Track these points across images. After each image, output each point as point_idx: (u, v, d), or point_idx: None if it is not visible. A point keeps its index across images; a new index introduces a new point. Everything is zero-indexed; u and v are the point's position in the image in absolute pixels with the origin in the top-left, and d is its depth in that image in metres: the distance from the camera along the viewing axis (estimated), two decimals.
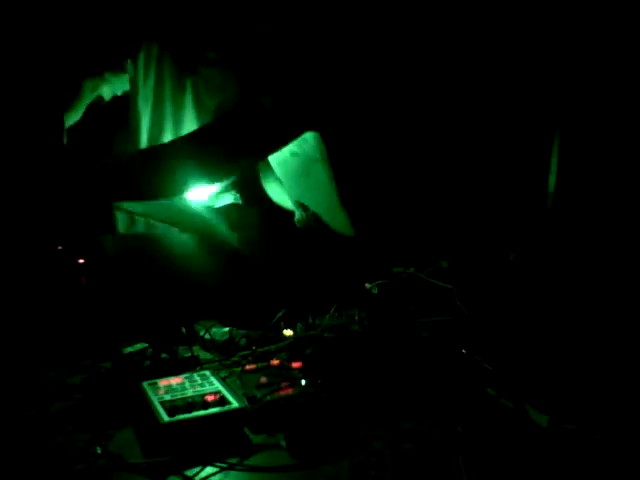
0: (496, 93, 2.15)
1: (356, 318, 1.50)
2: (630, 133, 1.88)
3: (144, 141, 1.78)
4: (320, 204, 1.82)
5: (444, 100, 2.21)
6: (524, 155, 2.12)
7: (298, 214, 1.86)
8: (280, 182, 1.91)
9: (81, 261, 1.66)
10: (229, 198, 1.90)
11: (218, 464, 1.01)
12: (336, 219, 1.82)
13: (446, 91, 2.20)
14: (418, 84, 2.19)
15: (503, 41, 2.08)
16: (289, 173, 1.83)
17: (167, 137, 1.78)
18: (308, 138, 1.73)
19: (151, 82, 1.73)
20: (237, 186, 1.94)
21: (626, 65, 1.86)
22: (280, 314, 1.51)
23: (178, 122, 1.78)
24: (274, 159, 1.81)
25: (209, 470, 0.99)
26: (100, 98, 1.71)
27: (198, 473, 0.98)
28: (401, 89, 2.20)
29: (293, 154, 1.77)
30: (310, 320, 1.51)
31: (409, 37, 2.16)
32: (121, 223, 1.72)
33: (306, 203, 1.85)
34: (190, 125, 1.77)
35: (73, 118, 1.66)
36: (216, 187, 1.88)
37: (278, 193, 1.94)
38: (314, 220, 1.83)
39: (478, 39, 2.12)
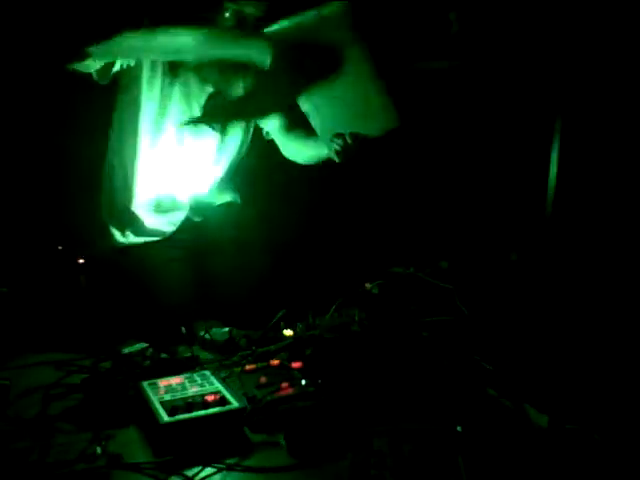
0: (497, 92, 2.15)
1: (356, 318, 1.50)
2: (631, 133, 1.88)
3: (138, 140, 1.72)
4: (356, 106, 1.54)
5: (444, 101, 2.21)
6: (525, 155, 2.12)
7: (337, 146, 1.61)
8: (299, 134, 1.78)
9: (81, 261, 1.66)
10: (228, 196, 1.87)
11: (218, 464, 1.01)
12: (377, 116, 1.54)
13: (447, 92, 2.20)
14: (419, 85, 2.19)
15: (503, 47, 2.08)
16: (314, 91, 1.55)
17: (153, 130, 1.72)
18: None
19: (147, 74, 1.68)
20: (235, 183, 1.89)
21: (626, 64, 1.86)
22: (280, 314, 1.51)
23: (164, 115, 1.72)
24: None
25: (209, 470, 0.99)
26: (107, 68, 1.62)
27: (198, 473, 0.98)
28: (401, 89, 2.20)
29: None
30: (310, 320, 1.51)
31: (407, 33, 2.16)
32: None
33: (339, 121, 1.59)
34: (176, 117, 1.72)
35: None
36: (215, 180, 1.84)
37: (302, 146, 1.80)
38: (354, 145, 1.57)
39: (477, 40, 2.12)
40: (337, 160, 1.62)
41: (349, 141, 1.56)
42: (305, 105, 1.59)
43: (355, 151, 1.58)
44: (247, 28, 1.57)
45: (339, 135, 1.57)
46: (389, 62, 1.68)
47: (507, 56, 2.10)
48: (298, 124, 1.76)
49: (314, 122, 1.62)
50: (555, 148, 1.99)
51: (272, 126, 1.85)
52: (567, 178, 1.99)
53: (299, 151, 1.83)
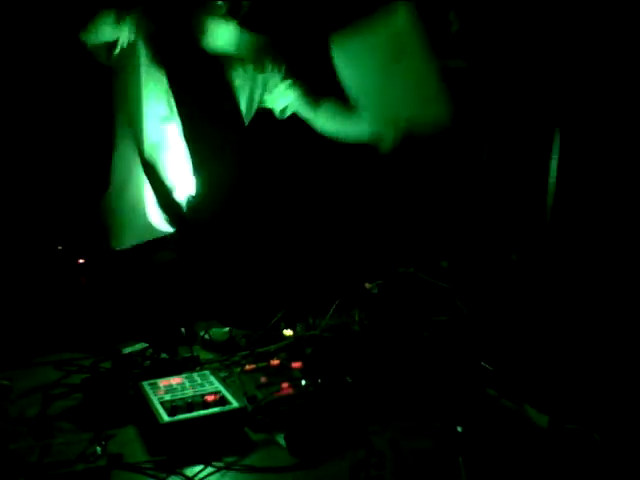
0: (497, 93, 2.15)
1: (356, 318, 1.50)
2: (631, 133, 1.87)
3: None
4: (413, 94, 1.58)
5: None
6: (525, 155, 2.12)
7: (390, 132, 1.61)
8: (334, 110, 1.73)
9: (81, 261, 1.66)
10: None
11: (218, 464, 1.01)
12: (430, 108, 1.58)
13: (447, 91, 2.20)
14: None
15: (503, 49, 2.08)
16: (370, 72, 1.57)
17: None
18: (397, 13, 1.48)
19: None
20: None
21: (626, 65, 1.86)
22: (280, 314, 1.51)
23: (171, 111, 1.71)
24: (347, 62, 1.54)
25: (209, 470, 0.99)
26: (114, 44, 1.60)
27: (198, 473, 0.98)
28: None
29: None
30: (310, 320, 1.51)
31: None
32: None
33: (393, 102, 1.60)
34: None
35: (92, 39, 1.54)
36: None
37: (340, 123, 1.75)
38: (405, 130, 1.59)
39: (478, 42, 2.12)
40: (383, 150, 1.61)
41: (403, 124, 1.58)
42: (354, 90, 1.57)
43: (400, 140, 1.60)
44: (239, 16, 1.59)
45: (393, 120, 1.59)
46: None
47: (506, 57, 2.10)
48: (329, 99, 1.71)
49: (364, 108, 1.61)
50: (555, 148, 1.99)
51: (291, 102, 1.78)
52: (567, 178, 1.99)
53: (338, 128, 1.76)
